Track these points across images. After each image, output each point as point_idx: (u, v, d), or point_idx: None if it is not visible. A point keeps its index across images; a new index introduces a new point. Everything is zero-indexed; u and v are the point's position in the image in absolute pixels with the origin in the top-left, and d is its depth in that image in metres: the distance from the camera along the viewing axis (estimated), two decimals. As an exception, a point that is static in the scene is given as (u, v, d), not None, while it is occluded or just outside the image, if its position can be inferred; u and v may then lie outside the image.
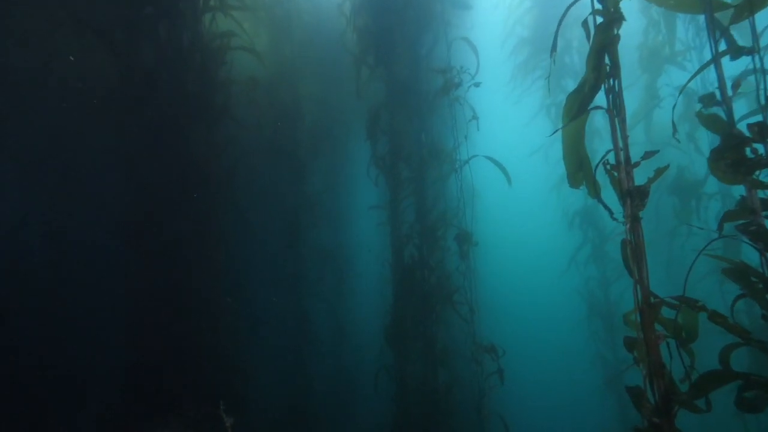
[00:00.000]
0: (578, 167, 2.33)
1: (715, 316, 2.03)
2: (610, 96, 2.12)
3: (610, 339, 8.55)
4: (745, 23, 2.26)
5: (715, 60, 2.16)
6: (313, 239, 8.84)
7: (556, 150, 9.25)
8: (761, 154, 2.08)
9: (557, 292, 8.85)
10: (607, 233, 8.71)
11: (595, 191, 2.34)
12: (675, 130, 2.38)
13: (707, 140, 5.76)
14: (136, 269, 5.29)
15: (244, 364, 6.24)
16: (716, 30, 2.20)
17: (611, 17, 2.08)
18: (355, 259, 9.85)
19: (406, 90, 6.90)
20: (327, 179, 9.57)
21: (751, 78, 2.35)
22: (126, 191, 5.57)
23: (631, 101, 7.30)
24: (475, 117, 4.85)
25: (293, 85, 8.97)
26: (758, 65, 2.23)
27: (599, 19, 2.11)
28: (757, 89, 2.22)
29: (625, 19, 2.09)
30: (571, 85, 9.05)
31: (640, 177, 2.24)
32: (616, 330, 8.31)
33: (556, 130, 2.40)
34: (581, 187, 2.42)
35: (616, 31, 2.09)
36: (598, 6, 2.13)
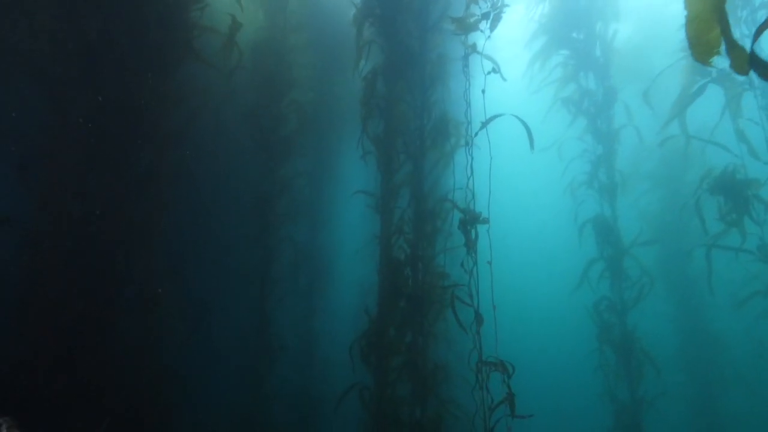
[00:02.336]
0: (711, 23, 1.39)
1: None
2: None
3: (624, 373, 7.48)
4: None
5: None
6: (286, 231, 7.73)
7: (571, 147, 8.43)
8: None
9: (566, 312, 7.86)
10: (624, 246, 7.79)
11: (740, 62, 1.41)
12: None
13: (765, 135, 4.96)
14: (43, 242, 4.14)
15: (180, 368, 5.02)
16: None
17: None
18: (336, 256, 8.74)
19: (410, 56, 6.03)
20: (310, 165, 8.55)
21: None
22: (45, 142, 4.44)
23: (670, 88, 6.55)
24: (495, 69, 3.96)
25: (283, 56, 8.07)
26: None
27: None
28: None
29: None
30: (593, 79, 8.34)
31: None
32: (634, 363, 7.26)
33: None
34: (713, 58, 1.47)
35: None
36: None
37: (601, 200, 8.09)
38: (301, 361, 8.48)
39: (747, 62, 1.39)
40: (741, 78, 5.30)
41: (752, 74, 1.64)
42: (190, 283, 5.46)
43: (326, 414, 7.89)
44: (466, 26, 3.90)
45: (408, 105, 5.94)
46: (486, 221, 4.14)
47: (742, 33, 5.62)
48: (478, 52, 4.07)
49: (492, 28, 3.91)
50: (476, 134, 4.04)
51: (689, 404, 9.09)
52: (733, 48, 1.42)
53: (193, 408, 5.84)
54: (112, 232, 4.32)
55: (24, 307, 4.03)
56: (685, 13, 1.39)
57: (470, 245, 3.91)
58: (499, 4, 3.71)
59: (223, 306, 6.60)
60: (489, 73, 3.96)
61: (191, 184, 5.21)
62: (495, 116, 3.89)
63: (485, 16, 3.76)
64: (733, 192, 4.91)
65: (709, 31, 1.43)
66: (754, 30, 1.22)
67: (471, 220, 4.00)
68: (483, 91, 3.84)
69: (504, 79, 4.07)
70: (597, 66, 7.97)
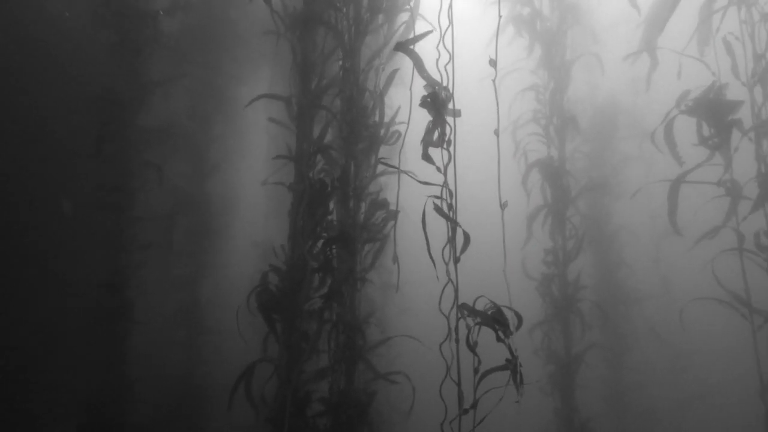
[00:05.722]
0: None
1: None
2: None
3: (561, 328, 7.27)
4: None
5: None
6: (152, 154, 5.68)
7: (516, 78, 7.70)
8: None
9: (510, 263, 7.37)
10: (572, 194, 7.45)
11: None
12: None
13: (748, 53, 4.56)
14: None
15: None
16: None
17: None
18: (231, 201, 6.94)
19: None
20: (190, 67, 6.40)
21: None
22: None
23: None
24: None
25: None
26: None
27: None
28: None
29: None
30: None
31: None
32: (573, 317, 7.05)
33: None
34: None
35: None
36: None
37: (548, 141, 7.62)
38: (181, 335, 6.74)
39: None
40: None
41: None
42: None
43: (217, 400, 6.36)
44: None
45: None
46: (459, 113, 2.96)
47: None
48: None
49: None
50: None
51: (605, 359, 9.52)
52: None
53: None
54: None
55: None
56: None
57: (442, 133, 2.70)
58: None
59: (49, 253, 4.55)
60: None
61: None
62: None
63: None
64: (715, 113, 4.48)
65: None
66: None
67: (443, 98, 2.78)
68: None
69: None
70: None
